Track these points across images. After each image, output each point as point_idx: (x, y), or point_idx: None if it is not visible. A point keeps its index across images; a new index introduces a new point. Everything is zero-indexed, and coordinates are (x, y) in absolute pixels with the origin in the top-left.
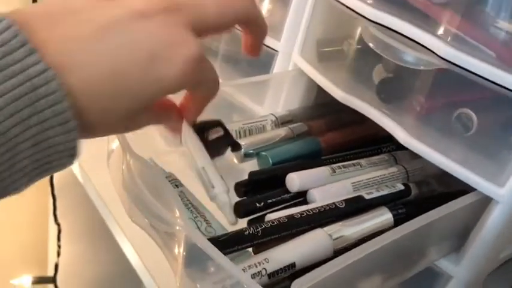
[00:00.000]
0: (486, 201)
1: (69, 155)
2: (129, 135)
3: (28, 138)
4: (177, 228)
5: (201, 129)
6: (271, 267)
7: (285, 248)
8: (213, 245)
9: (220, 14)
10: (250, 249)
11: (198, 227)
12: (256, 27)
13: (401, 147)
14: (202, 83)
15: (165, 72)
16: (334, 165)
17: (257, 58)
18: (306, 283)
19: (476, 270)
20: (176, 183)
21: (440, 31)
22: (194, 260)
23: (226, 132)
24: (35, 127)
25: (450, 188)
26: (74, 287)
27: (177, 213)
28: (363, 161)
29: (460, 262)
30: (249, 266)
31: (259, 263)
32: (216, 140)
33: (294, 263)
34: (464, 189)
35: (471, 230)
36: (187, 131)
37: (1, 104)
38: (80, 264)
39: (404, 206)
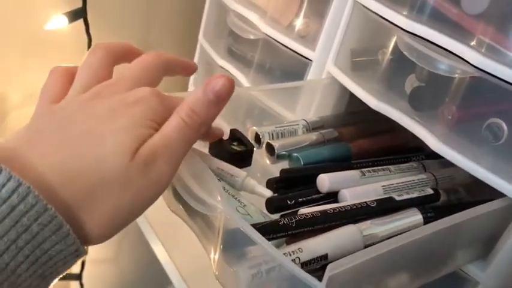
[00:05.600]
0: None
1: (75, 256)
2: None
3: (23, 261)
4: (219, 211)
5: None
6: (304, 256)
7: (318, 240)
8: (254, 229)
9: None
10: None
11: (249, 213)
12: None
13: (429, 157)
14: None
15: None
16: (364, 169)
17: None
18: (341, 266)
19: (503, 277)
20: (218, 179)
21: (474, 42)
22: (231, 244)
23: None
24: (27, 247)
25: (478, 198)
26: (99, 286)
27: (219, 198)
28: (392, 167)
29: (487, 268)
30: (284, 254)
31: (293, 251)
32: (242, 152)
33: (327, 254)
34: (493, 198)
35: (499, 237)
36: None
37: None
38: (107, 262)
39: (433, 210)
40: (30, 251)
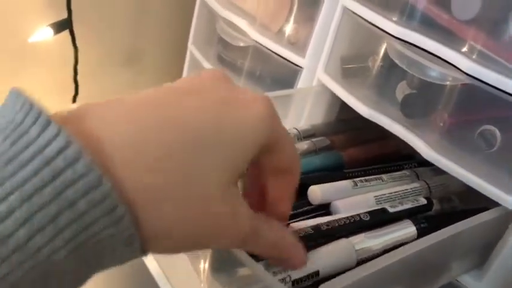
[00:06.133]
0: (509, 217)
1: (125, 245)
2: None
3: (61, 247)
4: None
5: None
6: (295, 274)
7: (309, 257)
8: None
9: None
10: None
11: None
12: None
13: (422, 164)
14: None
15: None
16: (356, 179)
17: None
18: (333, 287)
19: (499, 287)
20: None
21: (465, 48)
22: (222, 264)
23: None
24: (69, 228)
25: (472, 206)
26: None
27: None
28: (384, 176)
29: (483, 278)
30: (274, 273)
31: (284, 269)
32: None
33: (318, 271)
34: (487, 206)
35: (494, 246)
36: None
37: (11, 205)
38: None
39: (426, 221)
40: (73, 234)
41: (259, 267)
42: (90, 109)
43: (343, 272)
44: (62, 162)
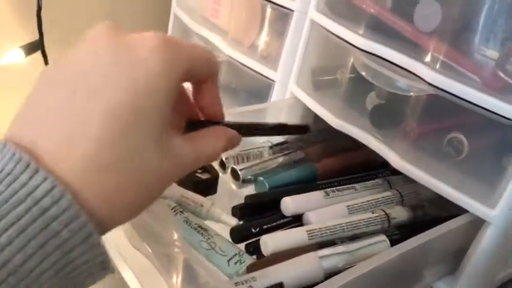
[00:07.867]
0: (479, 223)
1: (101, 269)
2: None
3: (48, 269)
4: (176, 250)
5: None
6: (257, 285)
7: (274, 268)
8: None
9: None
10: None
11: (212, 248)
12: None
13: (396, 172)
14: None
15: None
16: (328, 189)
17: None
18: None
19: None
20: (180, 210)
21: (428, 58)
22: (190, 276)
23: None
24: (54, 253)
25: (445, 212)
26: None
27: (175, 236)
28: (357, 185)
29: (456, 284)
30: (236, 284)
31: (246, 280)
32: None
33: (282, 282)
34: (459, 213)
35: (466, 252)
36: None
37: (10, 236)
38: None
39: (399, 231)
40: (57, 258)
41: (220, 277)
42: (35, 143)
43: (311, 286)
44: (48, 201)
